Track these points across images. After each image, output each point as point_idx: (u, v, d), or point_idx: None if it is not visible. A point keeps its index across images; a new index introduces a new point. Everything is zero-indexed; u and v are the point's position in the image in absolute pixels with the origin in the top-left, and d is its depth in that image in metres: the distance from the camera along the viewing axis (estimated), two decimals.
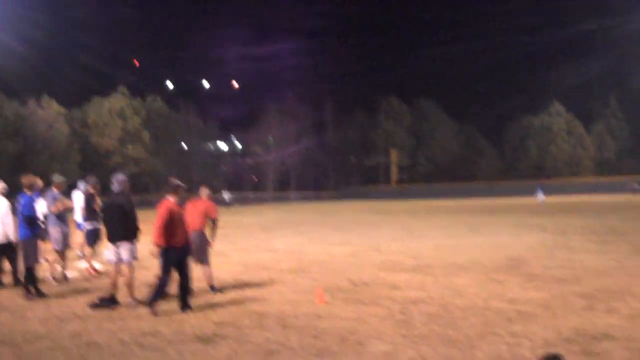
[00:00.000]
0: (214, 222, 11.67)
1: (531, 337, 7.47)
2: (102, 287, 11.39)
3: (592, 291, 10.38)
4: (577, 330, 7.76)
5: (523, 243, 18.45)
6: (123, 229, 10.32)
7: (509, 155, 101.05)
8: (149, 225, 10.40)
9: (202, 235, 11.35)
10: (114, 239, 10.27)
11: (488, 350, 6.98)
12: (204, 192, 11.84)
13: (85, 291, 11.69)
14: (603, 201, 51.49)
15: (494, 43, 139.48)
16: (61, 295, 11.34)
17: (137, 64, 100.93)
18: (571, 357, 6.57)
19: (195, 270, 11.94)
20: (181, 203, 10.10)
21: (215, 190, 70.09)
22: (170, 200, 9.88)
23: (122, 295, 10.29)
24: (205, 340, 7.86)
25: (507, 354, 6.82)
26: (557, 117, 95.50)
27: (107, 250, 10.59)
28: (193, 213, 11.39)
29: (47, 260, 13.15)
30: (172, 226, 9.59)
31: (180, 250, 9.76)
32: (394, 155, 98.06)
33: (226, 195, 62.22)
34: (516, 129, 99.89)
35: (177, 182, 10.23)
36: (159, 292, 9.60)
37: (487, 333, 7.76)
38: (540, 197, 45.91)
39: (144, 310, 9.67)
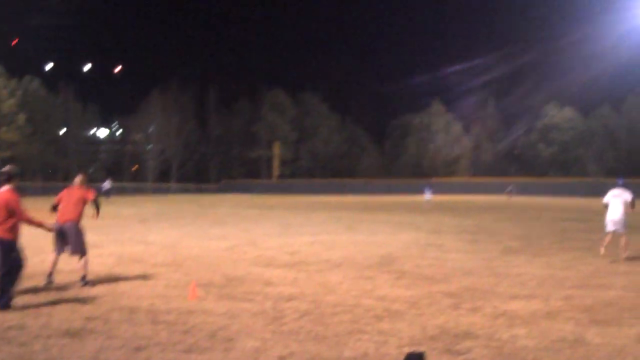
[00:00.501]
0: (95, 202, 11.49)
1: (398, 335, 7.64)
2: None
3: (459, 290, 10.71)
4: (442, 329, 8.00)
5: (397, 241, 18.85)
6: None
7: (389, 153, 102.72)
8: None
9: (77, 226, 11.11)
10: None
11: (355, 347, 7.10)
12: (79, 179, 11.59)
13: None
14: (478, 201, 53.10)
15: (382, 40, 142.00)
16: None
17: (14, 43, 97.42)
18: (434, 355, 6.77)
19: (68, 262, 11.72)
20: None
21: (91, 179, 68.32)
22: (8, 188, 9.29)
23: None
24: (73, 334, 7.69)
25: (374, 352, 6.96)
26: (437, 116, 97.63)
27: None
28: (68, 202, 11.15)
29: None
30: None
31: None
32: (277, 148, 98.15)
33: (107, 184, 58.17)
34: (397, 126, 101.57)
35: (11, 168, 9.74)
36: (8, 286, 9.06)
37: (355, 330, 7.89)
38: (428, 195, 46.70)
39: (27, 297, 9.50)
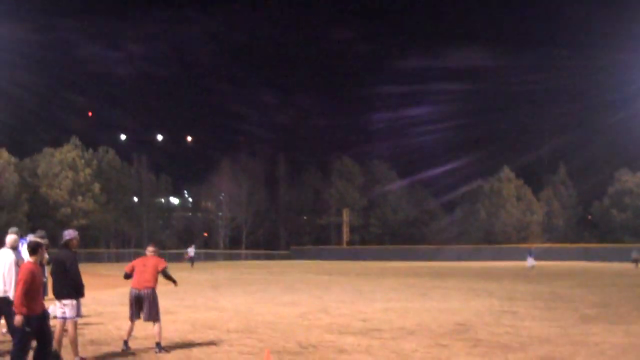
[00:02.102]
0: (165, 274, 11.64)
1: None
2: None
3: (536, 359, 10.49)
4: None
5: (470, 308, 18.58)
6: (66, 286, 10.20)
7: (459, 219, 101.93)
8: (97, 278, 10.33)
9: (153, 292, 11.28)
10: (58, 295, 10.15)
11: None
12: (150, 250, 11.80)
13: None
14: (551, 267, 52.11)
15: (447, 109, 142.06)
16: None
17: (90, 114, 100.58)
18: None
19: (144, 328, 11.89)
20: (41, 263, 9.44)
21: (163, 246, 69.15)
22: (31, 261, 8.82)
23: (66, 353, 10.14)
24: None
25: None
26: (507, 182, 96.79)
27: (53, 306, 10.49)
28: (144, 270, 11.35)
29: None
30: (32, 291, 8.45)
31: (41, 318, 8.63)
32: (346, 215, 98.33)
33: (191, 251, 56.37)
34: (467, 192, 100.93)
35: (37, 240, 9.53)
36: None
37: None
38: (531, 262, 44.52)
39: None
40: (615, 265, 54.60)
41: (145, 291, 11.19)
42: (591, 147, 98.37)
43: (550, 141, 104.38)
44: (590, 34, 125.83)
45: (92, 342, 10.86)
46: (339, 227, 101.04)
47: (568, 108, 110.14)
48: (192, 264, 53.24)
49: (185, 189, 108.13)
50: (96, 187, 78.63)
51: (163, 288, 11.67)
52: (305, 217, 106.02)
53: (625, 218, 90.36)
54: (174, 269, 12.37)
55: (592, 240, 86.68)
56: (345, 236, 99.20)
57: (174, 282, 12.14)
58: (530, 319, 15.90)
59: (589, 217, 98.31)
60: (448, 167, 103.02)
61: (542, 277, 37.28)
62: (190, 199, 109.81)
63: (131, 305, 11.35)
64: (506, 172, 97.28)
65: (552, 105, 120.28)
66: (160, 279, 11.59)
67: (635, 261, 51.66)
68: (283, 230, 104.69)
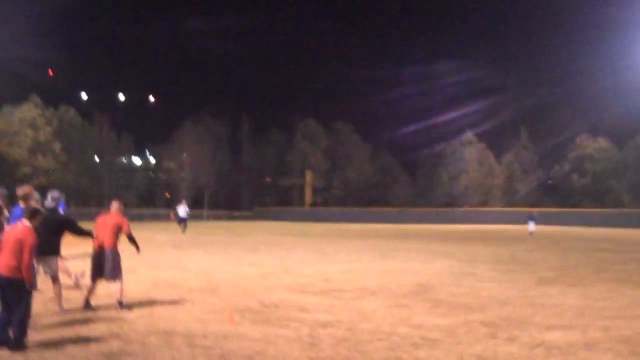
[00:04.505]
0: (130, 239, 11.59)
1: None
2: None
3: (496, 319, 10.64)
4: (479, 358, 7.96)
5: (431, 270, 18.76)
6: (50, 244, 10.41)
7: (421, 182, 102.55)
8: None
9: (114, 251, 11.24)
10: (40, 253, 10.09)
11: None
12: (115, 206, 11.71)
13: None
14: (511, 231, 52.73)
15: (408, 70, 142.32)
16: None
17: (51, 73, 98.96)
18: None
19: (105, 286, 11.86)
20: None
21: (125, 204, 68.08)
22: (28, 225, 8.66)
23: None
24: (111, 357, 7.78)
25: None
26: (469, 146, 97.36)
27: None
28: (104, 229, 11.28)
29: None
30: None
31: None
32: (309, 177, 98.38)
33: (182, 210, 41.50)
34: (429, 155, 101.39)
35: (36, 207, 9.31)
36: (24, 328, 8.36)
37: (392, 358, 7.88)
38: (532, 227, 43.83)
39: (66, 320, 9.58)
40: (573, 230, 55.39)
41: (106, 250, 11.16)
42: (553, 111, 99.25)
43: (512, 105, 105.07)
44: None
45: (52, 299, 10.82)
46: (301, 188, 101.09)
47: (531, 73, 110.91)
48: (184, 227, 40.36)
49: (148, 149, 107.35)
50: (57, 146, 77.77)
51: (124, 247, 11.59)
52: (268, 179, 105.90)
53: (585, 183, 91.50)
54: (137, 229, 12.29)
55: (552, 204, 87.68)
56: (308, 198, 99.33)
57: (137, 248, 12.07)
58: (490, 281, 16.11)
59: (550, 181, 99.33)
60: (411, 129, 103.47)
61: (503, 240, 37.77)
62: (152, 159, 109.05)
63: (93, 264, 11.32)
64: (468, 135, 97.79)
65: (516, 70, 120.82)
66: (122, 237, 11.53)
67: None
68: (245, 191, 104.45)
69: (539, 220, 47.63)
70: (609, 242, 36.06)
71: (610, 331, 9.76)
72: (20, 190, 10.81)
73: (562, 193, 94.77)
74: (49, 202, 10.90)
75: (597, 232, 50.80)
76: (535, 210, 51.49)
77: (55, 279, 10.61)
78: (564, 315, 11.15)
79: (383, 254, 25.21)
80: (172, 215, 41.18)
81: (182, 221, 40.76)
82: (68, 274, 13.50)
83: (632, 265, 21.12)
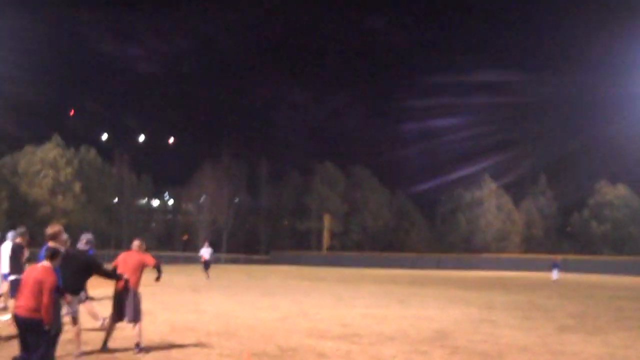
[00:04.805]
0: (158, 268, 11.65)
1: None
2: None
3: None
4: None
5: (449, 316, 18.67)
6: (73, 285, 10.41)
7: (440, 227, 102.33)
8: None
9: (135, 292, 11.28)
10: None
11: None
12: (136, 244, 11.78)
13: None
14: (530, 278, 52.38)
15: (428, 115, 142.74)
16: None
17: (72, 113, 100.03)
18: None
19: (123, 328, 11.89)
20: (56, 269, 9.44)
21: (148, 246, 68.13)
22: (47, 266, 8.76)
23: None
24: None
25: None
26: (488, 191, 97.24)
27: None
28: (126, 267, 11.33)
29: None
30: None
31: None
32: (327, 221, 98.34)
33: (207, 252, 39.62)
34: (447, 201, 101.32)
35: (56, 246, 9.59)
36: None
37: None
38: (555, 275, 43.03)
39: None
40: (593, 277, 54.91)
41: (130, 289, 11.20)
42: (572, 158, 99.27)
43: (532, 152, 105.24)
44: (581, 51, 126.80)
45: (70, 341, 10.85)
46: (319, 232, 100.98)
47: (550, 120, 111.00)
48: (208, 270, 38.63)
49: (166, 191, 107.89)
50: (77, 186, 78.25)
51: (141, 289, 11.64)
52: (286, 222, 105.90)
53: (605, 230, 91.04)
54: (153, 272, 12.30)
55: (571, 251, 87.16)
56: (326, 242, 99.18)
57: (159, 274, 12.04)
58: (509, 328, 16.02)
59: (569, 228, 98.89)
60: (431, 178, 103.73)
61: (521, 286, 37.52)
62: (170, 201, 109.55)
63: (113, 304, 11.37)
64: (487, 181, 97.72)
65: (535, 117, 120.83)
66: (143, 279, 11.58)
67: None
68: (263, 234, 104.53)
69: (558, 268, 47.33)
70: (629, 290, 35.75)
71: None
72: (50, 229, 10.72)
73: (581, 240, 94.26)
74: (82, 245, 10.98)
75: (616, 280, 50.34)
76: (559, 257, 50.94)
77: (75, 320, 10.63)
78: None
79: (400, 299, 25.11)
80: (201, 259, 39.15)
81: (206, 265, 38.81)
82: (95, 317, 13.50)
83: None
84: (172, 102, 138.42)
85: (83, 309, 13.04)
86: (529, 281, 45.50)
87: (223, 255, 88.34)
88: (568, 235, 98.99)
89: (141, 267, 11.40)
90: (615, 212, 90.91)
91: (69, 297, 10.03)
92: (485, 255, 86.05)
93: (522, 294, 30.48)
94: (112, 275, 11.06)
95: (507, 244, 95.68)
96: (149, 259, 11.58)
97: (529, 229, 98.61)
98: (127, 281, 11.18)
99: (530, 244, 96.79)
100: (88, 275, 10.78)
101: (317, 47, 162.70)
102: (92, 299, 13.14)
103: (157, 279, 12.01)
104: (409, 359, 11.15)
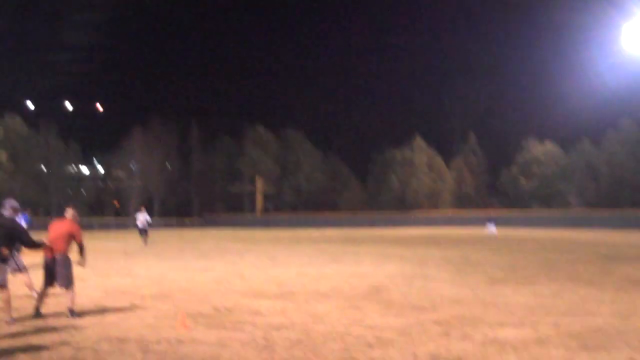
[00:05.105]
0: (80, 247, 11.41)
1: None
2: None
3: (448, 318, 10.73)
4: (433, 356, 8.01)
5: (383, 272, 18.85)
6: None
7: (372, 187, 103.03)
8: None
9: (66, 258, 11.10)
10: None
11: None
12: (70, 213, 11.57)
13: None
14: (461, 234, 53.23)
15: (359, 77, 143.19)
16: None
17: None
18: None
19: (56, 294, 11.69)
20: None
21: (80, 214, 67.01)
22: None
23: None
24: None
25: None
26: (419, 151, 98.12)
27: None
28: (56, 235, 11.13)
29: None
30: None
31: None
32: (260, 184, 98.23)
33: (141, 218, 37.51)
34: (379, 161, 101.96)
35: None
36: None
37: (346, 358, 7.90)
38: (492, 229, 43.50)
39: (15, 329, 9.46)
40: (522, 232, 56.06)
41: (57, 256, 11.02)
42: (500, 116, 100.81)
43: (461, 111, 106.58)
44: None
45: (1, 308, 10.62)
46: (252, 195, 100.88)
47: (478, 79, 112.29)
48: (145, 238, 36.60)
49: (96, 158, 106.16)
50: (2, 155, 76.47)
51: (72, 256, 11.42)
52: (218, 186, 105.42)
53: (533, 186, 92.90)
54: (86, 238, 12.10)
55: (501, 207, 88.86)
56: (259, 204, 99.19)
57: (84, 259, 11.71)
58: (442, 282, 16.25)
59: (498, 184, 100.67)
60: (361, 136, 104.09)
61: (453, 242, 38.08)
62: (100, 168, 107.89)
63: (44, 272, 11.17)
64: (418, 141, 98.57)
65: (463, 76, 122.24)
66: (73, 247, 11.38)
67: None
68: (196, 198, 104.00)
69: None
70: (557, 243, 36.59)
71: (560, 327, 9.91)
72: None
73: (510, 196, 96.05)
74: (6, 212, 10.68)
75: (545, 234, 51.49)
76: (493, 213, 51.84)
77: (3, 287, 10.39)
78: (515, 313, 11.28)
79: (335, 257, 25.26)
80: (140, 224, 36.59)
81: (142, 231, 36.76)
82: (31, 288, 13.18)
83: (580, 265, 21.45)
84: (99, 67, 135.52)
85: (21, 279, 12.84)
86: (460, 237, 46.23)
87: (155, 220, 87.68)
88: (498, 192, 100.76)
89: (71, 236, 11.21)
90: (543, 169, 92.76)
91: None
92: (417, 213, 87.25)
93: (454, 249, 30.94)
94: (35, 243, 10.79)
95: (438, 201, 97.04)
96: (78, 234, 11.35)
97: (459, 186, 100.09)
98: (51, 249, 10.99)
99: (461, 201, 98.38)
100: (12, 241, 10.54)
101: (244, 6, 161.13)
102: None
103: (80, 262, 11.64)
104: (344, 314, 11.21)
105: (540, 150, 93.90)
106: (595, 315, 11.08)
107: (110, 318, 10.92)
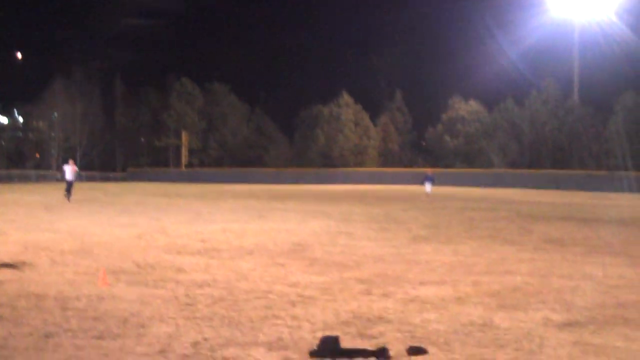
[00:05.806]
0: None
1: (311, 320, 7.68)
2: None
3: (370, 276, 10.83)
4: (355, 314, 8.07)
5: (308, 229, 18.94)
6: None
7: (299, 143, 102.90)
8: None
9: None
10: None
11: (270, 332, 7.10)
12: None
13: None
14: (386, 191, 53.74)
15: (287, 32, 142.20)
16: None
17: None
18: (348, 339, 6.82)
19: None
20: None
21: None
22: None
23: None
24: None
25: (288, 336, 6.97)
26: (346, 107, 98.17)
27: None
28: None
29: None
30: None
31: None
32: (185, 138, 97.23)
33: (68, 169, 33.88)
34: (306, 117, 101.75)
35: None
36: None
37: (269, 316, 7.90)
38: (429, 187, 43.34)
39: None
40: (446, 189, 56.86)
41: None
42: (427, 74, 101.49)
43: (388, 69, 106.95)
44: None
45: None
46: (177, 149, 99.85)
47: (405, 37, 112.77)
48: (69, 191, 32.97)
49: (16, 108, 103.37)
50: None
51: None
52: (142, 139, 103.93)
53: (457, 144, 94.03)
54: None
55: (426, 165, 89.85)
56: (184, 158, 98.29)
57: None
58: (366, 239, 16.40)
59: (423, 142, 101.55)
60: (288, 91, 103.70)
61: (378, 199, 38.42)
62: (20, 119, 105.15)
63: None
64: (345, 97, 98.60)
65: (391, 34, 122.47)
66: None
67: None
68: (120, 152, 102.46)
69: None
70: (480, 202, 37.31)
71: (480, 286, 10.10)
72: None
73: (435, 154, 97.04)
74: None
75: (468, 192, 52.44)
76: (430, 170, 51.87)
77: None
78: (436, 272, 11.46)
79: (260, 214, 25.27)
80: (58, 174, 33.39)
81: (69, 185, 33.26)
82: None
83: (501, 223, 21.92)
84: (21, 15, 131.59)
85: None
86: (385, 194, 46.72)
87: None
88: (423, 150, 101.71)
89: None
90: (467, 127, 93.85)
91: None
92: (343, 170, 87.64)
93: (379, 206, 31.26)
94: None
95: (364, 158, 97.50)
96: None
97: (385, 143, 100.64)
98: None
99: (386, 159, 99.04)
100: None
101: None
102: None
103: None
104: (268, 271, 11.22)
105: (465, 109, 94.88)
106: (514, 274, 11.32)
107: (28, 274, 10.69)
